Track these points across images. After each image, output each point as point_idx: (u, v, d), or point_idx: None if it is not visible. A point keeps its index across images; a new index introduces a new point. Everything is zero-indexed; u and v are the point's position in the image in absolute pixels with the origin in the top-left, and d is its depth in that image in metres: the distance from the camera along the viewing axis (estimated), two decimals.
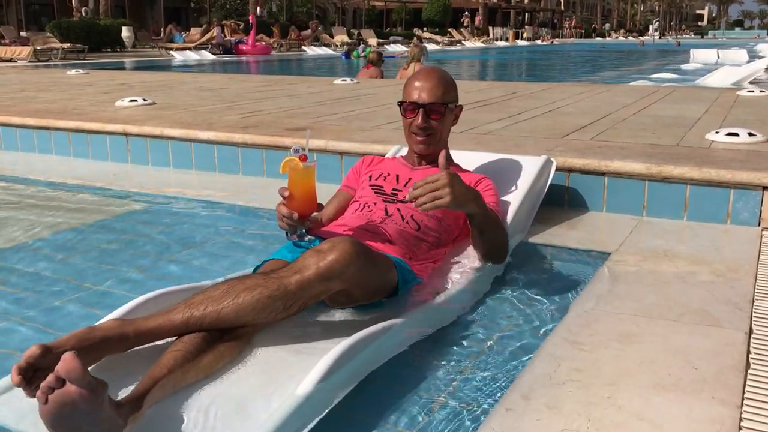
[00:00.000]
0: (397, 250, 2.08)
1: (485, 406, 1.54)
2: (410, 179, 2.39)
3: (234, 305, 1.58)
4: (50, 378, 1.22)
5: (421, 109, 2.32)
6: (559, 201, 3.11)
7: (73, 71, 9.80)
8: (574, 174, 3.10)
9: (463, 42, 35.20)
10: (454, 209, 1.96)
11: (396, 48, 17.35)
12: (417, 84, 2.34)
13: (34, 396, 1.34)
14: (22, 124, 4.74)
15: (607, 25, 72.39)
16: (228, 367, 1.60)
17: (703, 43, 35.05)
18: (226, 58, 19.85)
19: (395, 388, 1.62)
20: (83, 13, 23.00)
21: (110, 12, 23.97)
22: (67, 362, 1.22)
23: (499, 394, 1.57)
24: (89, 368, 1.52)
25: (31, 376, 1.37)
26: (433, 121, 2.34)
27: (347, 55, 20.72)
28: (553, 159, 2.96)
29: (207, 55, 19.49)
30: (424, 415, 1.52)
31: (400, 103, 2.39)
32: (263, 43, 22.54)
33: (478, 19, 38.97)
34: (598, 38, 55.35)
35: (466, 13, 40.00)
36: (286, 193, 1.99)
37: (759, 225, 2.80)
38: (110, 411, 1.27)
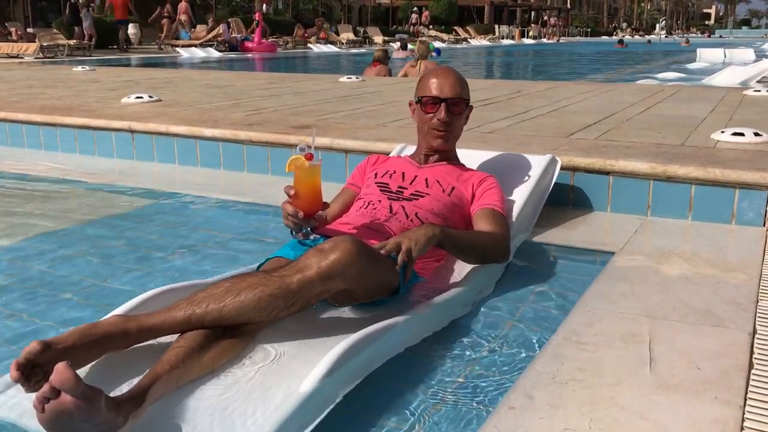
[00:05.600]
0: None
1: (488, 404, 1.54)
2: (416, 177, 2.40)
3: (235, 303, 1.59)
4: (45, 388, 1.23)
5: (443, 104, 2.34)
6: (563, 200, 3.11)
7: (80, 68, 9.82)
8: (578, 173, 3.10)
9: (469, 40, 35.19)
10: (425, 246, 1.95)
11: (399, 54, 16.77)
12: (437, 80, 2.37)
13: (32, 391, 1.35)
14: (29, 120, 4.76)
15: (624, 24, 72.30)
16: (231, 364, 1.61)
17: (711, 42, 34.90)
18: (233, 55, 19.86)
19: (397, 387, 1.62)
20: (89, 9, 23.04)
21: None
22: (60, 373, 1.22)
23: (501, 393, 1.57)
24: (91, 364, 1.54)
25: (29, 373, 1.38)
26: (454, 116, 2.36)
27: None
28: (557, 158, 2.95)
29: (213, 53, 19.49)
30: (426, 413, 1.52)
31: (419, 99, 2.39)
32: (269, 40, 22.54)
33: (425, 15, 37.81)
34: (603, 36, 54.96)
35: (414, 9, 38.72)
36: (292, 192, 1.99)
37: (764, 225, 2.79)
38: (107, 414, 1.28)
